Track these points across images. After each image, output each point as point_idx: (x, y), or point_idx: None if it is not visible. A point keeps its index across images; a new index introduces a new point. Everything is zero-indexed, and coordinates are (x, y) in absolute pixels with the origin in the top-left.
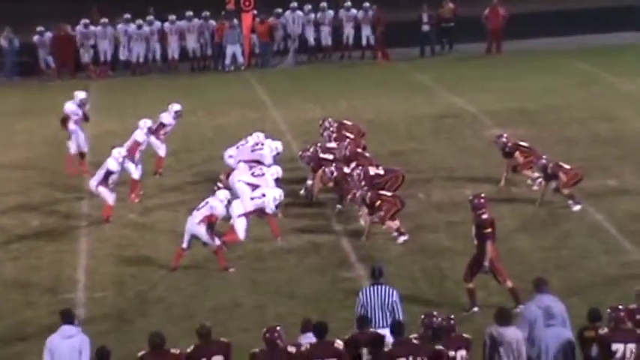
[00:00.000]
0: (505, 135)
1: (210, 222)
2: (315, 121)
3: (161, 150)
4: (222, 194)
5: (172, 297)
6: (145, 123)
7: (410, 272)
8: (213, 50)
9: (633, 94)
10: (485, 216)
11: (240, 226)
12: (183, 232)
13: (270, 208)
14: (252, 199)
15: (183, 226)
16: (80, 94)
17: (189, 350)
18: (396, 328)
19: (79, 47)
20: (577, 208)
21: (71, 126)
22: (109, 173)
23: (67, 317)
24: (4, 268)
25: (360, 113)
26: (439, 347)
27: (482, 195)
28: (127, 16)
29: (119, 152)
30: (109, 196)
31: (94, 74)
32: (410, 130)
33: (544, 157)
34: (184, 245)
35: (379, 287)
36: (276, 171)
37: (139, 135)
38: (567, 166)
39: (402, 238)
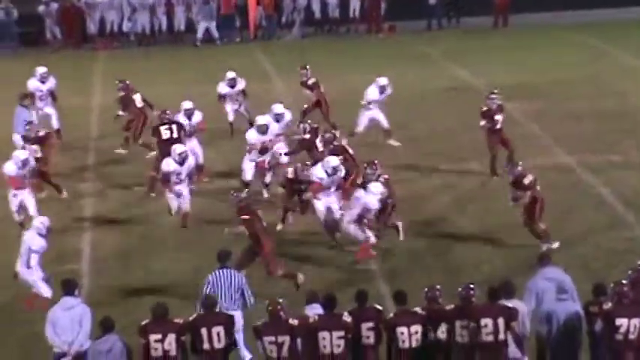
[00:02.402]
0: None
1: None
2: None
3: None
4: (375, 187)
5: (176, 269)
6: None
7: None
8: (219, 22)
9: (637, 70)
10: None
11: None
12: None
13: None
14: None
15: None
16: (40, 69)
17: (191, 319)
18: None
19: (85, 18)
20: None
21: (38, 103)
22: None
23: (69, 287)
24: (12, 238)
25: (366, 86)
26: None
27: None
28: None
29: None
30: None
31: (100, 45)
32: (416, 104)
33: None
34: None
35: (226, 271)
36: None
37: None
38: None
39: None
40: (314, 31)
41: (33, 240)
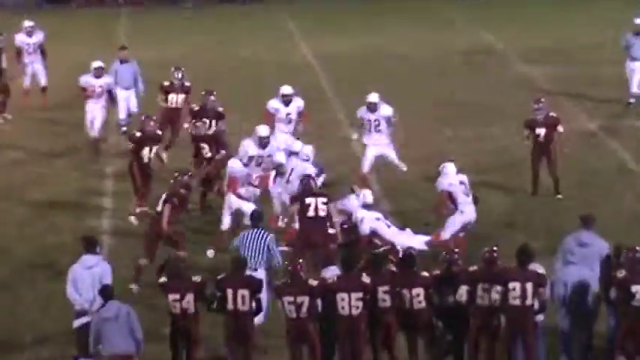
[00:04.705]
0: None
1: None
2: (344, 55)
3: None
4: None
5: (202, 228)
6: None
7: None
8: None
9: None
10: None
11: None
12: None
13: None
14: None
15: None
16: (27, 23)
17: (219, 277)
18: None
19: None
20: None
21: (25, 59)
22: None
23: (89, 245)
24: (30, 193)
25: (392, 47)
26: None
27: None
28: None
29: None
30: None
31: (124, 1)
32: (439, 66)
33: None
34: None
35: (255, 231)
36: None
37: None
38: None
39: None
40: None
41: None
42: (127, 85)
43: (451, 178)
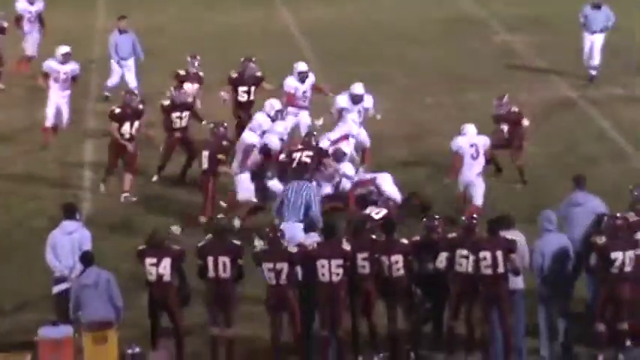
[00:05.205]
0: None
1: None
2: (327, 22)
3: None
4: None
5: (177, 195)
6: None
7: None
8: None
9: None
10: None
11: None
12: None
13: None
14: None
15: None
16: None
17: (199, 245)
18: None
19: None
20: None
21: (25, 26)
22: None
23: (69, 211)
24: (14, 164)
25: (369, 15)
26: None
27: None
28: None
29: None
30: None
31: None
32: (416, 34)
33: None
34: None
35: (300, 183)
36: None
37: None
38: None
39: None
40: None
41: None
42: (126, 56)
43: (469, 139)
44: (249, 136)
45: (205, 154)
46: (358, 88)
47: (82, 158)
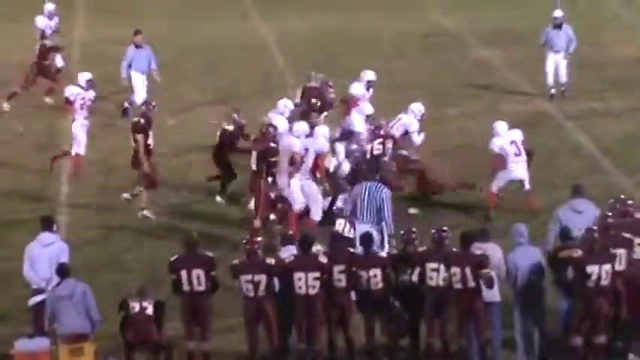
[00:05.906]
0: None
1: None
2: (305, 35)
3: None
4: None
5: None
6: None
7: None
8: None
9: (618, 19)
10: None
11: None
12: None
13: None
14: None
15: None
16: (49, 6)
17: (171, 259)
18: None
19: None
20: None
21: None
22: None
23: (47, 224)
24: None
25: (348, 28)
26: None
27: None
28: None
29: None
30: None
31: None
32: (392, 48)
33: None
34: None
35: (373, 184)
36: None
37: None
38: None
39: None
40: None
41: None
42: (143, 69)
43: (503, 137)
44: (294, 143)
45: (254, 154)
46: (370, 74)
47: (60, 171)
